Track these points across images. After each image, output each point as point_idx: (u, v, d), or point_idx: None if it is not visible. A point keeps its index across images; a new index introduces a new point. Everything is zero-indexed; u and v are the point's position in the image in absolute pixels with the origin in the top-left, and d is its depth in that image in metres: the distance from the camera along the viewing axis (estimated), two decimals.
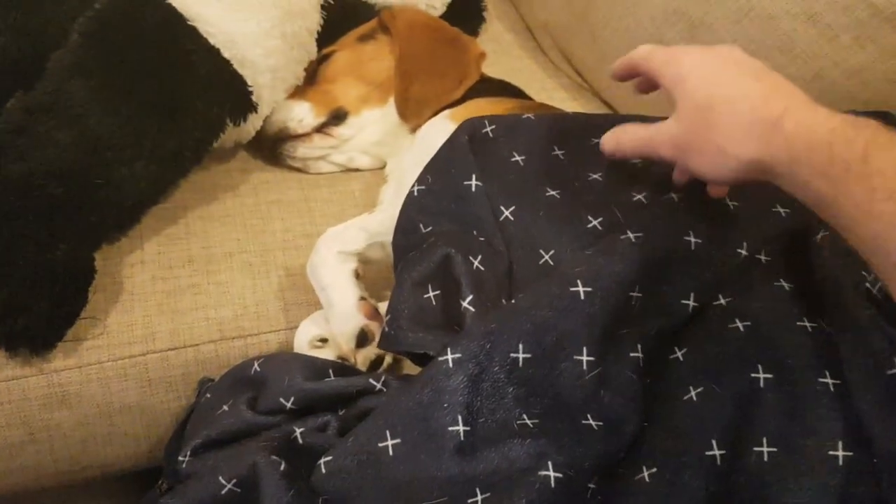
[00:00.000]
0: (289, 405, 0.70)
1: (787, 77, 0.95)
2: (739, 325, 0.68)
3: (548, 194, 0.75)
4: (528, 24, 1.36)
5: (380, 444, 0.62)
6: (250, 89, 0.90)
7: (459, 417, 0.61)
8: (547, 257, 0.72)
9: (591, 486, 0.62)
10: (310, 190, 0.98)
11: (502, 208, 0.74)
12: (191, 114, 0.86)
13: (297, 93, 1.01)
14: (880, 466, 0.60)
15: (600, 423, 0.63)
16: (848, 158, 0.53)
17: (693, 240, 0.71)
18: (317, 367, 0.74)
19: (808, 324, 0.67)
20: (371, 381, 0.70)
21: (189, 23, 0.86)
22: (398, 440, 0.62)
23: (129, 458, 0.85)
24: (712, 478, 0.61)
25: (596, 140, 0.75)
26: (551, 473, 0.59)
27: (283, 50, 0.94)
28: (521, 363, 0.63)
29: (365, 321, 0.78)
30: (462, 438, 0.61)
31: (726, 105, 0.60)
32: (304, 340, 0.82)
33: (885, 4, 0.88)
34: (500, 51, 1.30)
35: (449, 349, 0.63)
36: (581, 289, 0.65)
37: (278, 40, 0.93)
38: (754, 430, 0.63)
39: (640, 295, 0.67)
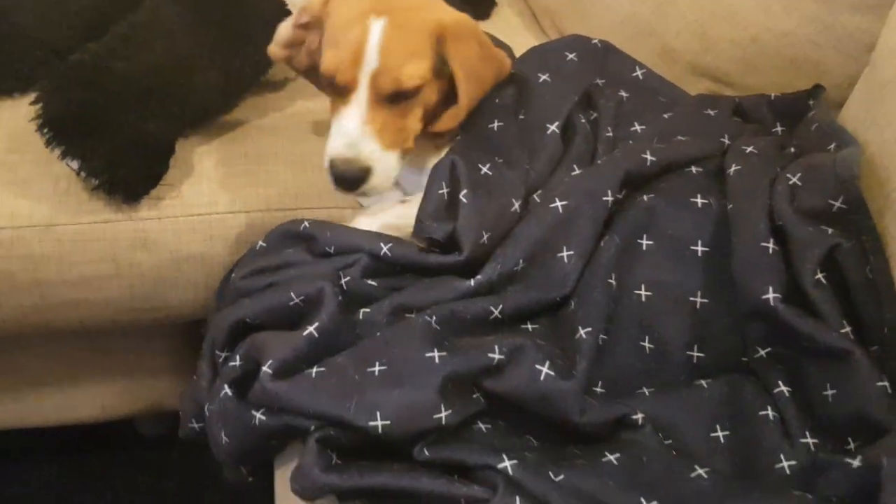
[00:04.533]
0: (332, 251, 0.91)
1: (730, 41, 1.19)
2: (645, 198, 0.89)
3: None
4: (533, 9, 1.61)
5: (406, 315, 0.83)
6: None
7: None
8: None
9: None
10: None
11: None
12: (252, 41, 1.11)
13: (380, 128, 0.91)
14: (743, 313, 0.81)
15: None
16: None
17: (649, 157, 0.93)
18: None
19: (700, 200, 0.88)
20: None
21: None
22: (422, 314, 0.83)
23: (188, 303, 1.08)
24: (610, 301, 0.82)
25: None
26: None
27: None
28: (518, 271, 0.86)
29: None
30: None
31: None
32: None
33: None
34: (510, 31, 1.53)
35: (473, 277, 0.85)
36: (558, 203, 0.87)
37: None
38: (635, 276, 0.84)
39: (612, 199, 0.87)
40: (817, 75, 1.12)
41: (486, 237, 0.88)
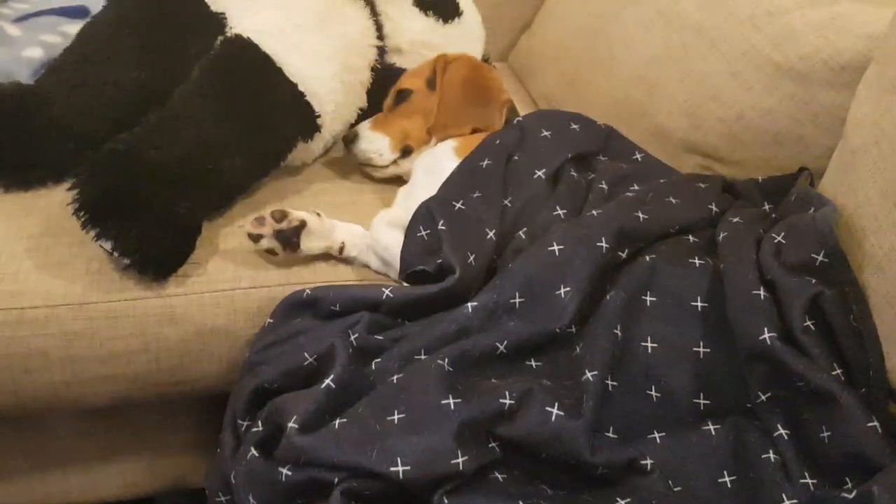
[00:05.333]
0: (337, 309, 0.99)
1: (717, 118, 1.27)
2: (647, 258, 0.96)
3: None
4: (533, 97, 1.72)
5: (415, 357, 0.90)
6: (317, 114, 1.23)
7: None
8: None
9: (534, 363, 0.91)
10: (357, 195, 1.30)
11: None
12: (274, 127, 1.20)
13: (382, 123, 1.33)
14: (742, 357, 0.87)
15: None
16: None
17: (641, 216, 1.00)
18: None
19: (697, 261, 0.95)
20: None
21: (277, 65, 1.20)
22: (428, 355, 0.90)
23: (212, 376, 1.12)
24: (616, 349, 0.89)
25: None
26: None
27: (341, 92, 1.28)
28: (517, 305, 0.93)
29: None
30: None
31: None
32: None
33: (784, 62, 1.20)
34: None
35: (469, 302, 0.93)
36: (556, 247, 0.95)
37: (339, 84, 1.27)
38: (641, 330, 0.90)
39: (607, 246, 0.95)
40: (799, 148, 1.20)
41: (472, 258, 1.00)
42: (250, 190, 1.23)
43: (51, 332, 1.05)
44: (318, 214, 1.14)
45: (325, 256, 1.17)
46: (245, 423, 0.93)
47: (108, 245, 1.03)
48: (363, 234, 1.16)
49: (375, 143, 1.31)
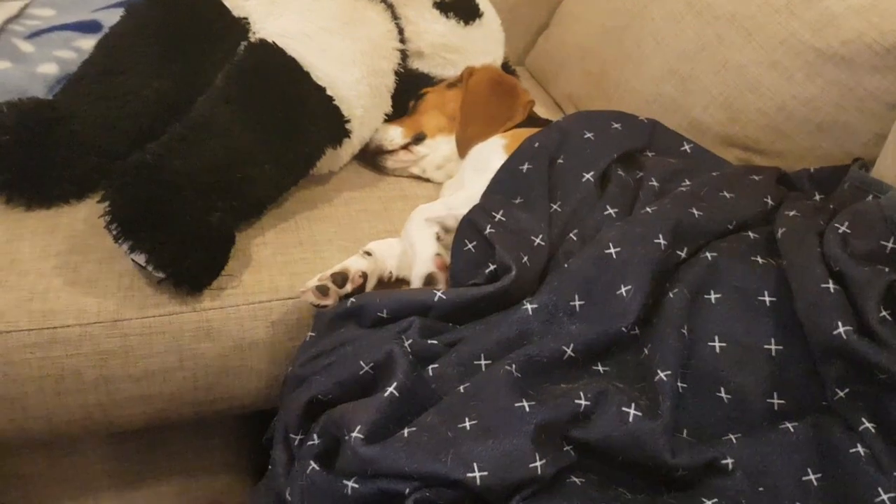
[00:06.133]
0: (385, 315, 0.95)
1: (756, 110, 1.24)
2: (708, 255, 0.92)
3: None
4: (555, 98, 1.68)
5: (475, 363, 0.86)
6: (347, 119, 1.20)
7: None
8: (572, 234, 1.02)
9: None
10: (388, 202, 1.26)
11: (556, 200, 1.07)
12: (303, 134, 1.16)
13: (397, 121, 1.36)
14: (817, 354, 0.82)
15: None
16: None
17: (696, 212, 0.97)
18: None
19: (759, 259, 0.92)
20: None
21: (304, 69, 1.17)
22: (490, 361, 0.86)
23: (251, 392, 1.08)
24: (684, 347, 0.84)
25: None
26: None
27: (369, 96, 1.25)
28: (577, 308, 0.89)
29: (434, 269, 1.04)
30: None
31: None
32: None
33: (826, 48, 1.17)
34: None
35: (527, 301, 0.90)
36: (612, 250, 0.91)
37: (366, 88, 1.24)
38: (708, 329, 0.86)
39: (665, 242, 0.91)
40: (844, 136, 1.17)
41: (525, 258, 0.96)
42: (279, 199, 1.19)
43: (84, 351, 1.01)
44: (369, 253, 1.10)
45: None
46: (298, 438, 0.89)
47: (141, 259, 0.99)
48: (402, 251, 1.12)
49: (388, 132, 1.34)
